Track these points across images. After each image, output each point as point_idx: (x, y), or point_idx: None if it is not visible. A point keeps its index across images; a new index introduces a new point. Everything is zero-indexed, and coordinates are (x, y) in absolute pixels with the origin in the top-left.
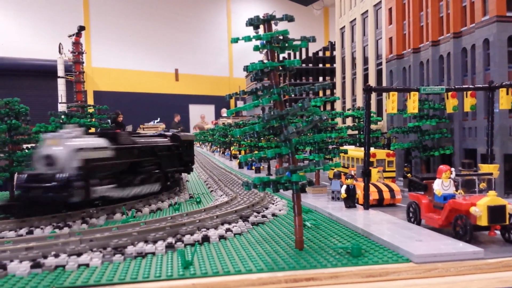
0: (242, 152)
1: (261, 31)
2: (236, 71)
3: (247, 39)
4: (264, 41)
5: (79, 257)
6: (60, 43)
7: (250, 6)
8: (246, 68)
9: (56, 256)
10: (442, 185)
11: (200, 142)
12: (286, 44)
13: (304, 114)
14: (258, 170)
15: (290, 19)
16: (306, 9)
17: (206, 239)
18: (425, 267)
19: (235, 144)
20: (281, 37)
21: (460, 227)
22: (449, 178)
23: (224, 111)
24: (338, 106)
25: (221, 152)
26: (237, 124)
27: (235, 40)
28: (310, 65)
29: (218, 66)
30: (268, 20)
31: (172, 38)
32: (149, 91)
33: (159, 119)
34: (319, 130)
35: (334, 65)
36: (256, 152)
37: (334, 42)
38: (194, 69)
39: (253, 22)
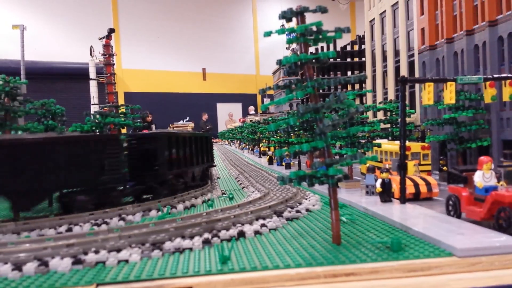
0: (272, 148)
1: (288, 24)
2: (262, 68)
3: (281, 32)
4: (298, 34)
5: (118, 253)
6: (91, 46)
7: (275, 3)
8: (279, 62)
9: (96, 252)
10: (483, 176)
11: (229, 140)
12: (320, 36)
13: (339, 107)
14: (288, 166)
15: (323, 10)
16: (332, 4)
17: (241, 234)
18: (469, 261)
19: (264, 141)
20: (314, 29)
21: (503, 219)
22: (490, 169)
23: (251, 109)
24: (368, 100)
25: (250, 149)
26: (265, 121)
27: (268, 34)
28: (338, 59)
29: (244, 64)
30: (301, 12)
31: (199, 38)
32: (178, 91)
33: (188, 118)
34: (351, 124)
35: (363, 59)
36: (291, 146)
37: (362, 35)
38: (221, 68)
39: (286, 15)
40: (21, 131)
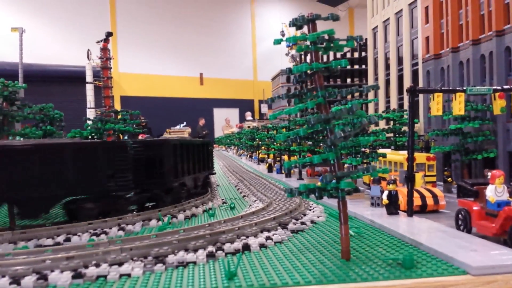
0: (271, 156)
1: (288, 31)
2: (260, 74)
3: (292, 39)
4: (310, 42)
5: (120, 266)
6: (88, 49)
7: (274, 8)
8: (289, 71)
9: (97, 265)
10: (495, 191)
11: (226, 146)
12: (332, 45)
13: (349, 117)
14: (288, 175)
15: (335, 18)
16: (330, 10)
17: (246, 247)
18: (484, 280)
19: (263, 147)
20: (326, 37)
21: None
22: (503, 183)
23: (248, 114)
24: (370, 109)
25: (248, 155)
26: (264, 127)
27: (279, 42)
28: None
29: (242, 69)
30: (313, 20)
31: (197, 42)
32: (175, 96)
33: (185, 123)
34: (356, 134)
35: (363, 66)
36: (300, 158)
37: (362, 43)
38: (218, 73)
39: (297, 22)
40: (18, 137)
